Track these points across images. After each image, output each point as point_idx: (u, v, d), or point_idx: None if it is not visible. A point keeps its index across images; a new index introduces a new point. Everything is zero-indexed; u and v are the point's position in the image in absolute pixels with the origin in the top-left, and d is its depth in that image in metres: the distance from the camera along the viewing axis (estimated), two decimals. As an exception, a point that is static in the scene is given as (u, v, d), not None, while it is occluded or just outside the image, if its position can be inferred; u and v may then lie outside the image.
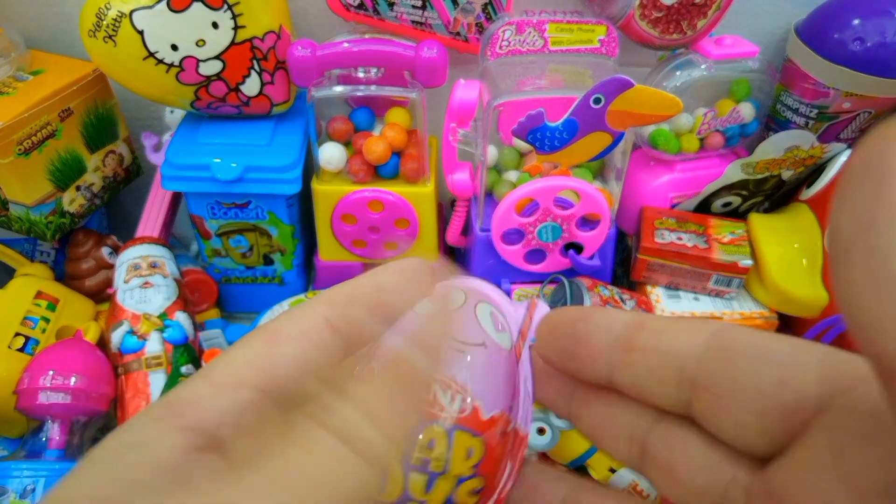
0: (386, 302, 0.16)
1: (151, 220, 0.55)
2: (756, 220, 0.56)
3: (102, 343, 0.50)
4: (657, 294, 0.56)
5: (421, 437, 0.19)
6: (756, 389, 0.15)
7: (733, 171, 0.54)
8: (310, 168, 0.53)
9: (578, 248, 0.55)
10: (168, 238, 0.56)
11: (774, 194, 0.60)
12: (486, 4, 0.50)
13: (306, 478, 0.13)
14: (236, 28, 0.47)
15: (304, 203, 0.57)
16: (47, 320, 0.50)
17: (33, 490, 0.42)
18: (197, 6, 0.45)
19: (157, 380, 0.46)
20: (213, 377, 0.15)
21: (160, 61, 0.47)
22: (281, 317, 0.16)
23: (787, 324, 0.55)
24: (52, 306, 0.52)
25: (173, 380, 0.46)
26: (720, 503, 0.17)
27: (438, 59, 0.47)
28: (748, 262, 0.53)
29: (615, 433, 0.19)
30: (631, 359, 0.17)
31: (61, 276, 0.57)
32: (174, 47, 0.46)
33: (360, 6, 0.51)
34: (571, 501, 0.19)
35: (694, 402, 0.16)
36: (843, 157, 0.54)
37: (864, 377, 0.14)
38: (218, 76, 0.48)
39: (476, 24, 0.51)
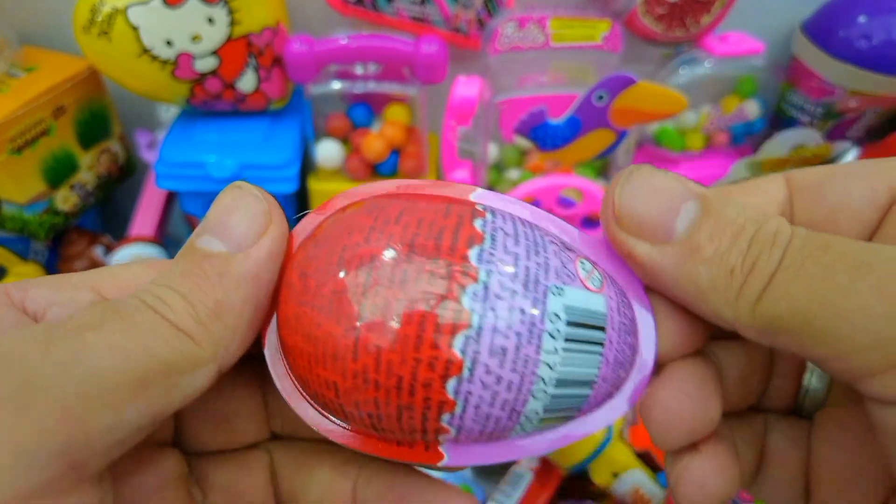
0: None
1: (145, 219, 0.54)
2: (761, 219, 0.55)
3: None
4: (660, 295, 0.55)
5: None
6: None
7: (738, 170, 0.54)
8: (307, 166, 0.52)
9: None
10: (163, 237, 0.56)
11: (780, 194, 0.59)
12: None
13: (119, 338, 0.13)
14: (232, 24, 0.46)
15: (300, 202, 0.56)
16: (40, 321, 0.50)
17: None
18: (192, 2, 0.45)
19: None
20: (68, 277, 0.16)
21: (155, 58, 0.46)
22: None
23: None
24: (45, 307, 0.51)
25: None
26: None
27: (438, 55, 0.47)
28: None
29: None
30: None
31: (54, 276, 0.56)
32: (169, 43, 0.46)
33: (359, 1, 0.50)
34: None
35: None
36: (849, 156, 0.53)
37: None
38: (213, 72, 0.47)
39: (476, 20, 0.50)
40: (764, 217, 0.15)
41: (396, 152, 0.51)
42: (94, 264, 0.56)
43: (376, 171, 0.51)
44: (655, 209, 0.15)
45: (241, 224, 0.15)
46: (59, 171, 0.52)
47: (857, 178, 0.16)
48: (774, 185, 0.17)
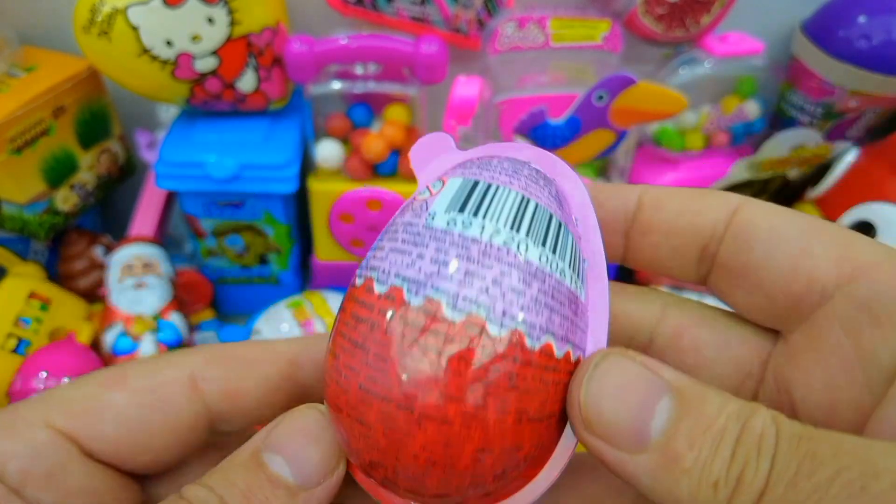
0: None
1: (145, 219, 0.54)
2: (761, 219, 0.55)
3: (96, 344, 0.49)
4: (660, 295, 0.55)
5: None
6: (768, 275, 0.15)
7: (738, 170, 0.54)
8: (306, 166, 0.52)
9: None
10: (163, 237, 0.56)
11: (780, 194, 0.59)
12: None
13: None
14: (232, 24, 0.46)
15: (300, 202, 0.56)
16: (40, 321, 0.50)
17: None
18: (192, 2, 0.45)
19: (150, 382, 0.45)
20: (18, 414, 0.15)
21: (155, 58, 0.46)
22: (143, 360, 0.17)
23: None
24: (45, 307, 0.51)
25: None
26: (741, 384, 0.17)
27: (438, 55, 0.47)
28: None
29: (629, 320, 0.18)
30: (650, 240, 0.17)
31: (54, 276, 0.56)
32: (169, 43, 0.46)
33: (359, 1, 0.50)
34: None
35: (711, 277, 0.17)
36: (849, 157, 0.53)
37: (879, 262, 0.14)
38: (213, 72, 0.47)
39: (476, 20, 0.50)
40: (747, 410, 0.13)
41: (396, 152, 0.51)
42: (94, 264, 0.56)
43: (376, 171, 0.51)
44: (626, 413, 0.13)
45: (316, 459, 0.15)
46: (59, 171, 0.52)
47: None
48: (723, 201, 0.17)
